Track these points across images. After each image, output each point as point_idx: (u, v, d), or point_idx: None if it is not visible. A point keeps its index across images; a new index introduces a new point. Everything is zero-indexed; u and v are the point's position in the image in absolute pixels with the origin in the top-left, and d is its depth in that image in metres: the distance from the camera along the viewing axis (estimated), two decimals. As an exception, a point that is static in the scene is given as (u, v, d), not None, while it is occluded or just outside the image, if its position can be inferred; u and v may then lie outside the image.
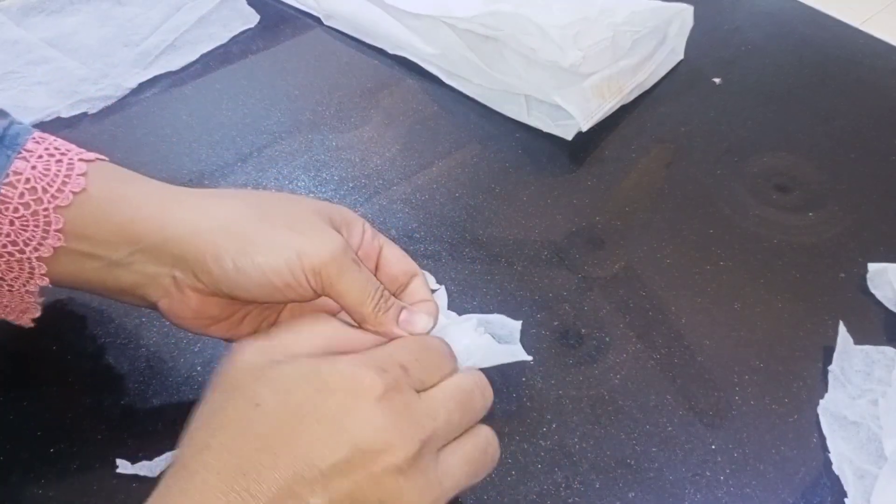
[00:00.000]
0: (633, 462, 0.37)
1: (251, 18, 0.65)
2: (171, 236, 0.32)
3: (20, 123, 0.34)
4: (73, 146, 0.34)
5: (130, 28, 0.62)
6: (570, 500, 0.35)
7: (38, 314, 0.36)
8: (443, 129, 0.55)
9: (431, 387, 0.29)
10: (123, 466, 0.35)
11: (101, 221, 0.33)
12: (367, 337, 0.31)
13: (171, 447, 0.36)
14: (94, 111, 0.55)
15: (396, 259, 0.37)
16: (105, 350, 0.40)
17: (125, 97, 0.57)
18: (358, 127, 0.55)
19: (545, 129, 0.55)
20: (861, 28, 0.67)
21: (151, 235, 0.32)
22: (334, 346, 0.29)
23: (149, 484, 0.35)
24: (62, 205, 0.32)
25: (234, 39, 0.63)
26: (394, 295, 0.34)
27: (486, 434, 0.30)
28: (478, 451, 0.30)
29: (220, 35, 0.63)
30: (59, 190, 0.32)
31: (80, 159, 0.33)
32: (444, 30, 0.56)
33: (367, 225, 0.37)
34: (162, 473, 0.35)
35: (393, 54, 0.61)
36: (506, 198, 0.50)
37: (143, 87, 0.58)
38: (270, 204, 0.34)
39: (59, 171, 0.32)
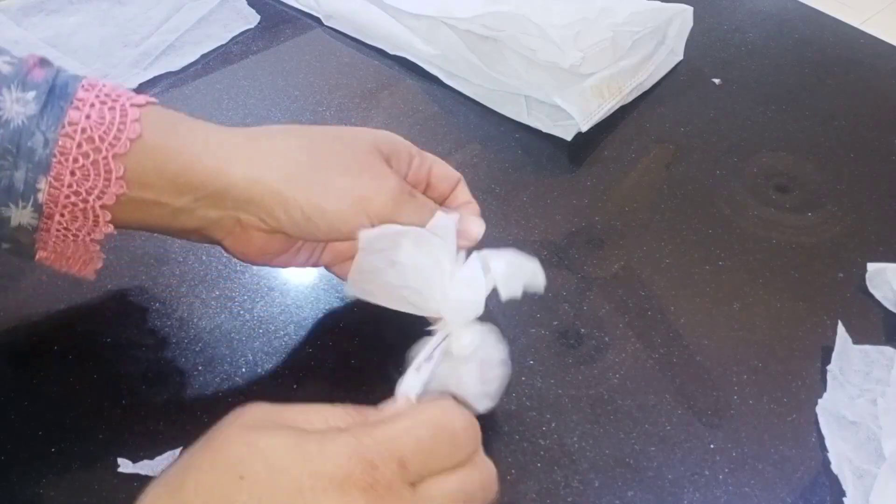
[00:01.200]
0: (632, 461, 0.37)
1: (251, 19, 0.65)
2: (233, 184, 0.33)
3: (66, 71, 0.34)
4: (122, 90, 0.34)
5: (130, 28, 0.62)
6: (569, 499, 0.35)
7: (100, 265, 0.36)
8: (443, 129, 0.55)
9: (433, 475, 0.26)
10: (125, 465, 0.35)
11: (160, 170, 0.33)
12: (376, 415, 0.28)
13: (173, 446, 0.36)
14: (94, 111, 0.55)
15: (442, 172, 0.39)
16: (105, 350, 0.40)
17: (125, 97, 0.57)
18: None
19: (545, 130, 0.55)
20: (861, 28, 0.67)
21: (213, 183, 0.33)
22: (335, 425, 0.27)
23: (150, 483, 0.35)
24: (120, 152, 0.32)
25: (234, 40, 0.63)
26: (441, 203, 0.38)
27: (484, 480, 0.27)
28: None
29: (221, 35, 0.63)
30: (115, 138, 0.32)
31: (132, 104, 0.33)
32: (444, 30, 0.56)
33: (414, 149, 0.38)
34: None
35: (393, 54, 0.61)
36: (506, 198, 0.50)
37: (143, 87, 0.58)
38: (325, 144, 0.35)
39: (113, 118, 0.32)
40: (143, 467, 0.35)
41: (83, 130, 0.32)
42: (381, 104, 0.57)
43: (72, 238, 0.34)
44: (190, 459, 0.25)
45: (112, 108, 0.32)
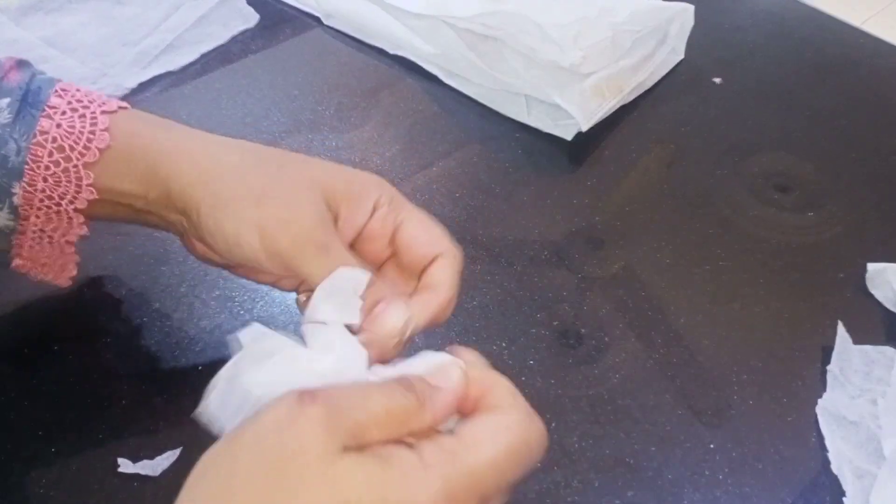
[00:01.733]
0: (632, 461, 0.37)
1: (251, 18, 0.65)
2: (175, 191, 0.33)
3: (42, 74, 0.34)
4: (96, 96, 0.35)
5: (130, 27, 0.62)
6: (569, 499, 0.35)
7: (75, 272, 0.37)
8: (443, 129, 0.55)
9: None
10: (125, 465, 0.35)
11: (123, 174, 0.34)
12: (432, 407, 0.25)
13: (173, 446, 0.36)
14: (94, 111, 0.55)
15: (416, 235, 0.33)
16: (105, 350, 0.40)
17: (125, 97, 0.57)
18: (358, 127, 0.55)
19: (545, 129, 0.55)
20: (861, 28, 0.67)
21: (163, 188, 0.33)
22: (396, 418, 0.24)
23: (150, 483, 0.35)
24: (90, 161, 0.33)
25: (233, 39, 0.63)
26: (420, 276, 0.31)
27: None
28: None
29: (220, 35, 0.63)
30: (85, 147, 0.33)
31: (103, 111, 0.34)
32: (444, 30, 0.56)
33: (388, 197, 0.33)
34: (164, 472, 0.35)
35: (393, 54, 0.61)
36: (506, 198, 0.50)
37: (142, 86, 0.58)
38: (264, 169, 0.33)
39: (83, 127, 0.33)
40: (143, 467, 0.35)
41: (54, 140, 0.33)
42: (381, 104, 0.57)
43: (47, 240, 0.35)
44: (258, 489, 0.22)
45: (83, 116, 0.33)
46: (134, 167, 0.34)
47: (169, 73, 0.59)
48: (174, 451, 0.36)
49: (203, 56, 0.61)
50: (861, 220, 0.50)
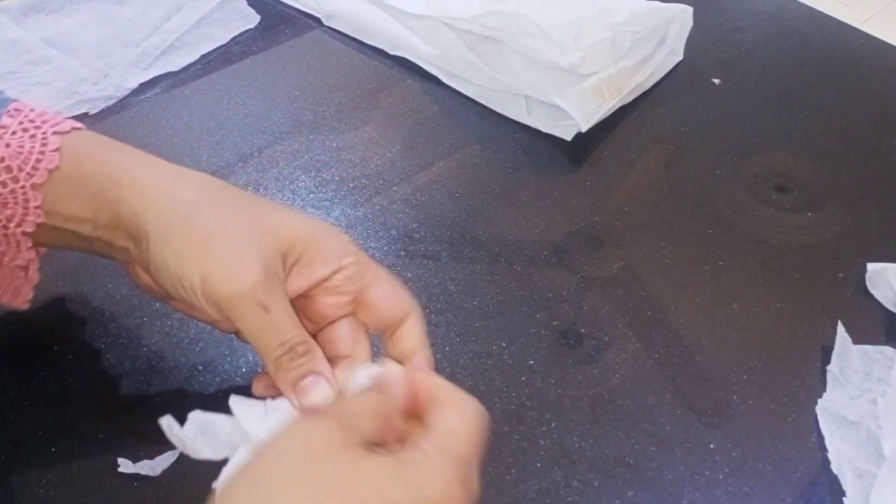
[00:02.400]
0: (632, 461, 0.37)
1: (251, 19, 0.65)
2: (124, 214, 0.32)
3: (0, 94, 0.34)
4: (49, 116, 0.34)
5: (130, 28, 0.62)
6: (569, 499, 0.35)
7: (30, 295, 0.36)
8: (443, 129, 0.56)
9: None
10: (125, 466, 0.35)
11: (72, 196, 0.33)
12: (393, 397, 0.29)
13: (173, 446, 0.36)
14: (94, 111, 0.55)
15: (385, 296, 0.33)
16: (105, 350, 0.40)
17: (125, 97, 0.57)
18: (358, 127, 0.55)
19: (545, 130, 0.55)
20: (861, 28, 0.67)
21: (112, 210, 0.32)
22: (380, 412, 0.28)
23: (150, 483, 0.35)
24: (38, 182, 0.32)
25: (234, 40, 0.63)
26: (390, 338, 0.33)
27: None
28: None
29: (221, 35, 0.63)
30: (34, 168, 0.32)
31: (55, 132, 0.33)
32: (444, 30, 0.56)
33: (356, 255, 0.33)
34: (164, 472, 0.35)
35: (393, 55, 0.61)
36: (506, 198, 0.50)
37: (143, 87, 0.58)
38: (222, 207, 0.32)
39: (33, 147, 0.32)
40: (143, 467, 0.35)
41: (2, 160, 0.32)
42: (381, 104, 0.57)
43: None
44: (293, 480, 0.25)
45: (33, 136, 0.33)
46: (83, 189, 0.33)
47: (170, 74, 0.59)
48: (174, 451, 0.36)
49: (204, 57, 0.61)
50: (861, 220, 0.50)
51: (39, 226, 0.33)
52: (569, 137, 0.54)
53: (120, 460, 0.35)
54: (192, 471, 0.35)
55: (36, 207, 0.32)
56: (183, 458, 0.36)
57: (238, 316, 0.30)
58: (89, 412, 0.38)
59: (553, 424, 0.38)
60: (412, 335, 0.33)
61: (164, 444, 0.36)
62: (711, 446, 0.37)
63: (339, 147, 0.54)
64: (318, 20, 0.65)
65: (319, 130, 0.55)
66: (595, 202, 0.50)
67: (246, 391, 0.39)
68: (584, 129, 0.53)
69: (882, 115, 0.58)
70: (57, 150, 0.32)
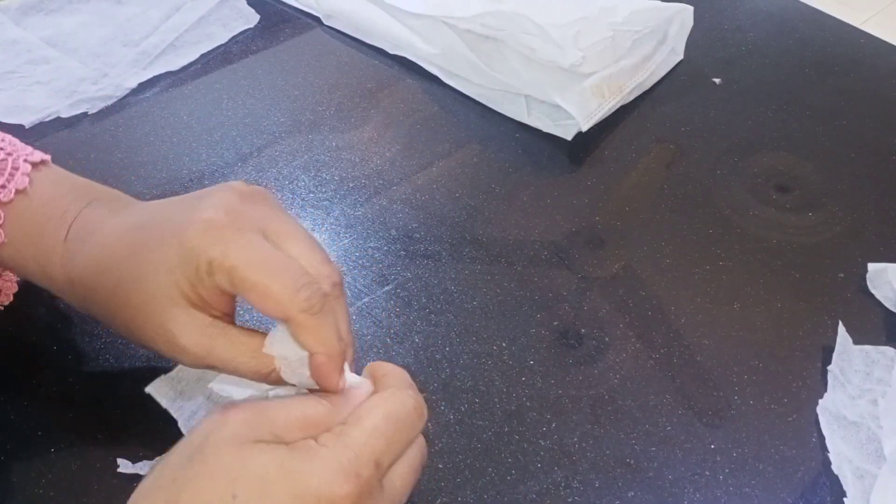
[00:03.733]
0: (632, 461, 0.37)
1: (251, 18, 0.65)
2: (62, 275, 0.33)
3: None
4: (21, 146, 0.34)
5: (130, 28, 0.62)
6: (569, 500, 0.35)
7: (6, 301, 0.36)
8: (443, 129, 0.55)
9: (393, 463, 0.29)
10: (124, 466, 0.35)
11: (29, 230, 0.33)
12: (342, 412, 0.29)
13: (172, 446, 0.36)
14: (93, 111, 0.55)
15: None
16: (105, 350, 0.40)
17: (125, 97, 0.57)
18: (358, 127, 0.55)
19: (545, 129, 0.55)
20: (861, 28, 0.67)
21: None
22: (311, 421, 0.28)
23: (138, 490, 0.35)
24: (3, 200, 0.33)
25: (234, 39, 0.63)
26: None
27: (423, 452, 0.30)
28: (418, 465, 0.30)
29: (220, 35, 0.63)
30: (2, 186, 0.33)
31: (26, 160, 0.34)
32: (444, 30, 0.56)
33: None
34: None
35: (393, 54, 0.61)
36: (506, 198, 0.50)
37: (142, 87, 0.58)
38: (148, 233, 0.32)
39: (2, 168, 0.33)
40: (143, 467, 0.35)
41: None
42: (381, 104, 0.57)
43: None
44: (182, 472, 0.26)
45: (3, 160, 0.33)
46: (35, 227, 0.33)
47: (169, 74, 0.59)
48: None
49: (203, 56, 0.61)
50: (861, 220, 0.49)
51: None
52: (569, 137, 0.54)
53: (120, 460, 0.35)
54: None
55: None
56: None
57: (242, 245, 0.29)
58: (89, 412, 0.38)
59: (553, 425, 0.38)
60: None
61: (164, 444, 0.36)
62: (712, 446, 0.37)
63: (339, 147, 0.54)
64: (317, 20, 0.65)
65: (319, 130, 0.55)
66: (595, 202, 0.50)
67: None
68: (584, 128, 0.53)
69: (882, 115, 0.58)
70: (27, 174, 0.33)
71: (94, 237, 0.33)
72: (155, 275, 0.30)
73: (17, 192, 0.33)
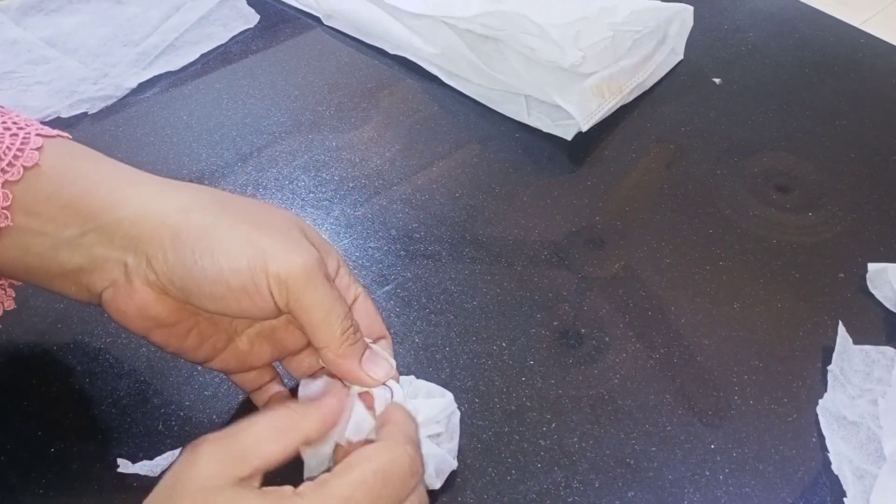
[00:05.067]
0: (632, 461, 0.37)
1: (251, 18, 0.65)
2: (126, 216, 0.30)
3: None
4: (35, 123, 0.32)
5: (130, 28, 0.62)
6: (569, 500, 0.35)
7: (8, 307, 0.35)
8: (443, 129, 0.55)
9: None
10: (124, 466, 0.35)
11: (52, 197, 0.30)
12: (312, 415, 0.29)
13: (172, 447, 0.36)
14: (93, 111, 0.55)
15: (368, 314, 0.34)
16: (105, 350, 0.40)
17: (125, 97, 0.57)
18: (358, 127, 0.55)
19: (545, 129, 0.55)
20: (861, 28, 0.67)
21: (105, 214, 0.30)
22: (291, 453, 0.27)
23: (149, 483, 0.35)
24: (11, 179, 0.30)
25: (234, 39, 0.63)
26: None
27: None
28: None
29: (220, 35, 0.63)
30: (9, 164, 0.30)
31: (38, 134, 0.31)
32: (444, 30, 0.56)
33: (346, 267, 0.34)
34: (164, 472, 0.35)
35: (393, 54, 0.61)
36: (506, 198, 0.50)
37: (142, 87, 0.58)
38: (238, 201, 0.32)
39: (12, 144, 0.30)
40: (143, 467, 0.35)
41: None
42: (381, 104, 0.57)
43: None
44: None
45: (14, 135, 0.31)
46: (63, 190, 0.30)
47: (169, 73, 0.59)
48: (174, 451, 0.36)
49: (203, 56, 0.61)
50: (861, 220, 0.49)
51: (2, 232, 0.30)
52: (569, 137, 0.54)
53: (119, 460, 0.35)
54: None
55: (3, 209, 0.30)
56: (183, 459, 0.35)
57: (309, 288, 0.29)
58: (89, 412, 0.38)
59: (553, 425, 0.38)
60: (385, 353, 0.33)
61: (163, 444, 0.36)
62: (712, 446, 0.37)
63: (339, 146, 0.54)
64: (317, 19, 0.65)
65: (319, 130, 0.55)
66: (595, 202, 0.50)
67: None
68: (584, 128, 0.53)
69: (882, 115, 0.58)
70: (39, 148, 0.30)
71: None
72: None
73: (26, 168, 0.30)
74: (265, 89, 0.58)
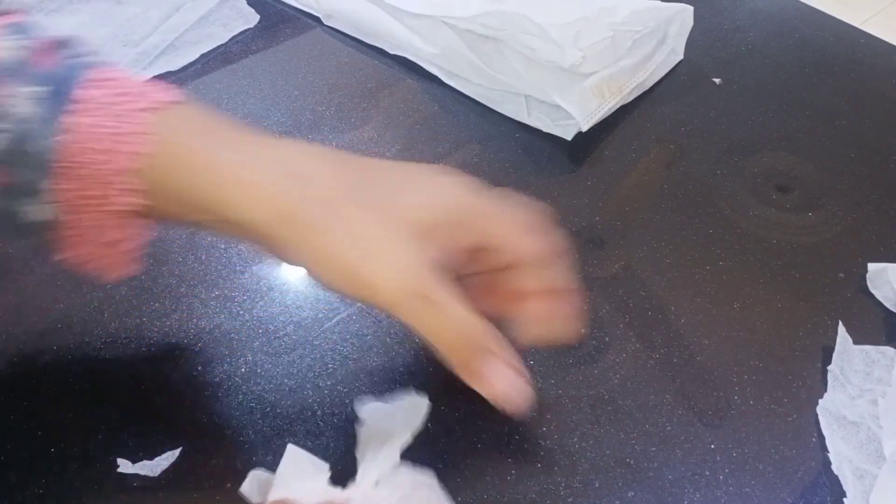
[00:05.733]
0: (632, 461, 0.37)
1: (251, 18, 0.65)
2: (235, 220, 0.30)
3: (79, 59, 0.30)
4: (137, 87, 0.30)
5: (130, 28, 0.62)
6: (569, 500, 0.35)
7: (130, 269, 0.34)
8: (443, 129, 0.55)
9: None
10: (124, 466, 0.35)
11: (166, 189, 0.30)
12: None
13: (173, 446, 0.36)
14: (94, 111, 0.55)
15: (504, 233, 0.33)
16: (105, 350, 0.40)
17: (125, 97, 0.57)
18: (358, 127, 0.55)
19: (545, 129, 0.55)
20: (861, 28, 0.67)
21: (212, 212, 0.30)
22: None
23: (150, 483, 0.35)
24: (118, 167, 0.29)
25: (234, 39, 0.63)
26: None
27: None
28: None
29: (220, 35, 0.63)
30: (116, 151, 0.29)
31: (143, 108, 0.30)
32: (444, 30, 0.56)
33: (482, 208, 0.32)
34: (164, 472, 0.35)
35: (393, 54, 0.61)
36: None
37: (143, 86, 0.58)
38: (360, 191, 0.30)
39: (118, 127, 0.29)
40: (143, 467, 0.35)
41: (80, 141, 0.29)
42: (381, 104, 0.57)
43: (93, 210, 0.30)
44: None
45: (119, 116, 0.29)
46: (175, 182, 0.30)
47: (169, 74, 0.59)
48: (174, 451, 0.36)
49: (203, 56, 0.61)
50: (861, 220, 0.49)
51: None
52: (569, 137, 0.54)
53: (119, 460, 0.35)
54: (191, 471, 0.35)
55: (124, 190, 0.29)
56: (182, 459, 0.36)
57: (405, 314, 0.28)
58: (89, 412, 0.38)
59: (553, 425, 0.38)
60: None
61: (163, 444, 0.36)
62: (712, 446, 0.37)
63: (339, 146, 0.54)
64: (317, 19, 0.65)
65: (319, 130, 0.55)
66: (595, 202, 0.50)
67: (245, 391, 0.39)
68: (584, 128, 0.53)
69: (882, 115, 0.58)
70: (145, 132, 0.29)
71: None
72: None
73: (132, 158, 0.29)
74: (265, 89, 0.58)
